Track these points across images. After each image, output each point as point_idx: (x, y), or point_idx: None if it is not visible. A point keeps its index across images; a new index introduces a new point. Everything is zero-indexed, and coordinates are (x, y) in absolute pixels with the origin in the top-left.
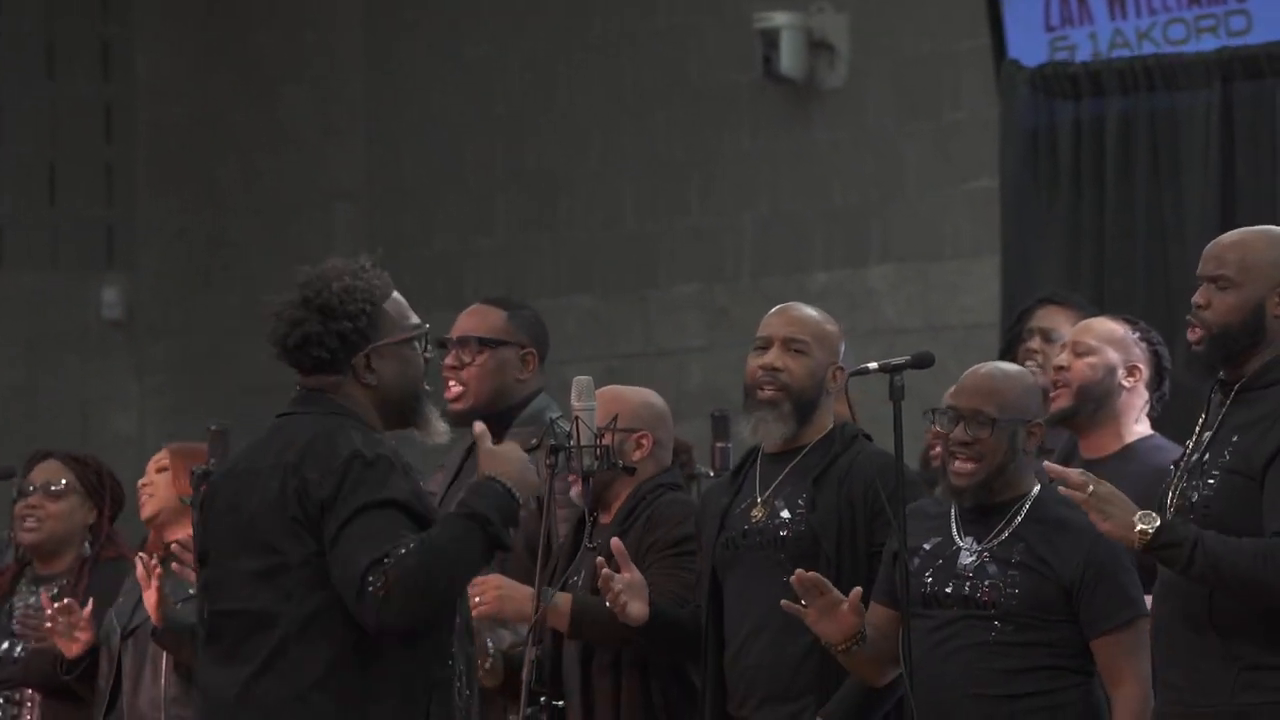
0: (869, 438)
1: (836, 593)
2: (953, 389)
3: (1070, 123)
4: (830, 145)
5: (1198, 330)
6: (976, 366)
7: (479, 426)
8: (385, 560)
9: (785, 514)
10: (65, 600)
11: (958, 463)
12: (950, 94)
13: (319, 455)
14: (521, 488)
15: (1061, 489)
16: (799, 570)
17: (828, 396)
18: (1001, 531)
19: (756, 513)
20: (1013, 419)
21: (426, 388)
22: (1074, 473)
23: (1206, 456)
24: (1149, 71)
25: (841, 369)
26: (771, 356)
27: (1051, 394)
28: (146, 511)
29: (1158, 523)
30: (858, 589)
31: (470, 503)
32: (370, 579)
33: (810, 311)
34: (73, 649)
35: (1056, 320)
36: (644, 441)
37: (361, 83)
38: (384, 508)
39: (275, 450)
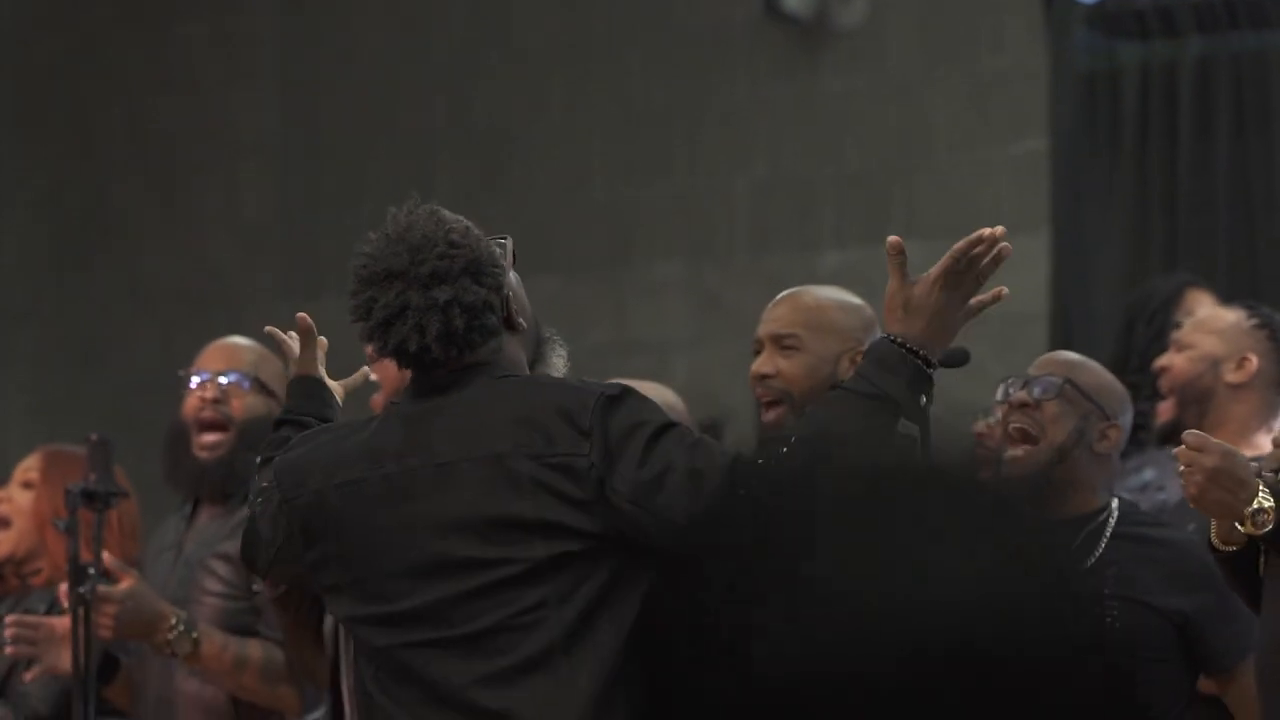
0: None
1: None
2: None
3: (1137, 69)
4: (844, 97)
5: None
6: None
7: None
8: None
9: None
10: None
11: (1009, 450)
12: (990, 36)
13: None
14: (934, 348)
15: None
16: None
17: None
18: (1082, 555)
19: None
20: (1089, 403)
21: None
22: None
23: None
24: (1233, 6)
25: (863, 352)
26: (760, 361)
27: (1158, 405)
28: (2, 550)
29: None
30: None
31: (871, 375)
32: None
33: (811, 295)
34: None
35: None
36: None
37: (273, 16)
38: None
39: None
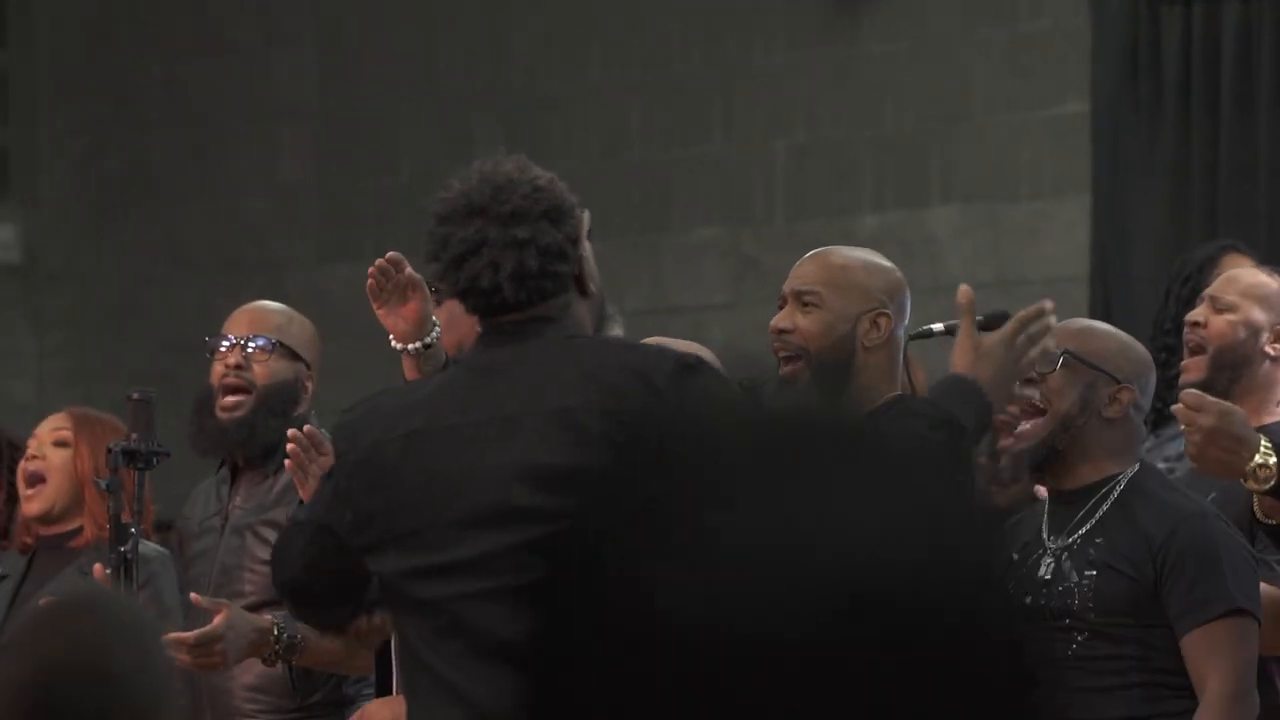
0: None
1: None
2: None
3: (1179, 34)
4: (882, 60)
5: None
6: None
7: None
8: None
9: None
10: None
11: (1022, 423)
12: None
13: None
14: (998, 400)
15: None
16: None
17: (871, 353)
18: (1082, 523)
19: None
20: (1093, 370)
21: None
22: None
23: None
24: None
25: (885, 314)
26: (780, 316)
27: (1184, 362)
28: (36, 507)
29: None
30: None
31: (941, 401)
32: None
33: (839, 254)
34: None
35: None
36: None
37: None
38: None
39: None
